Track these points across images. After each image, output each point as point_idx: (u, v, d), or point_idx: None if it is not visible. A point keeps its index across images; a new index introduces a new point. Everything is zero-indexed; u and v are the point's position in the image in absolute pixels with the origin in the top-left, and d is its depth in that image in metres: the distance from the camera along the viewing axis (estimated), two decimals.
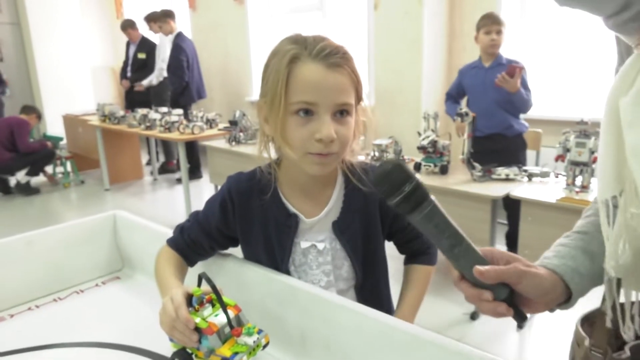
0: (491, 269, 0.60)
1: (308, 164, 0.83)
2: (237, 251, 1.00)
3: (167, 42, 5.27)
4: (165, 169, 5.54)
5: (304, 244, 0.91)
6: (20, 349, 0.93)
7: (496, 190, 2.22)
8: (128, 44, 5.77)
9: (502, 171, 2.35)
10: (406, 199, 0.58)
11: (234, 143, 3.57)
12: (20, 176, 4.86)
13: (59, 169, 5.31)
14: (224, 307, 0.76)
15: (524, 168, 2.38)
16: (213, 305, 0.78)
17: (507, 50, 2.82)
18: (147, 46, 5.62)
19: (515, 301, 0.63)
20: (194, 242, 0.95)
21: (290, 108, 0.80)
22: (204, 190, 4.82)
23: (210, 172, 3.83)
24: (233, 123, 3.61)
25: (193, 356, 0.78)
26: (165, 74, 5.28)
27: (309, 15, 5.44)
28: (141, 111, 4.44)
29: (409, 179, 0.58)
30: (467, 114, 2.41)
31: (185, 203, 3.80)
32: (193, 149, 4.94)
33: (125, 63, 5.81)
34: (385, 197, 0.59)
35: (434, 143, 2.51)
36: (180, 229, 0.97)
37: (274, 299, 0.89)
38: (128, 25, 5.61)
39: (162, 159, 5.72)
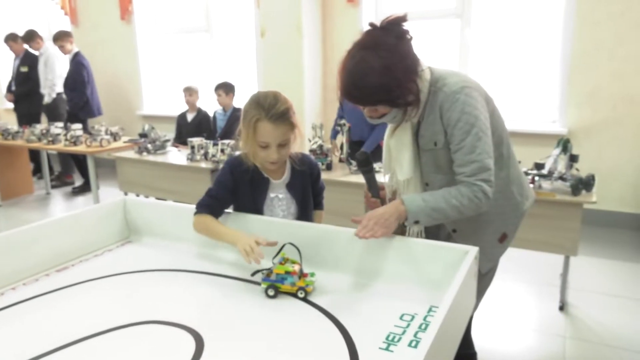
0: (382, 192, 1.50)
1: (266, 169, 1.58)
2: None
3: (55, 59, 5.41)
4: (63, 182, 5.64)
5: (271, 194, 1.63)
6: (74, 283, 1.46)
7: None
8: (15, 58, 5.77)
9: None
10: (369, 167, 1.47)
11: (144, 153, 3.99)
12: None
13: None
14: (301, 261, 1.35)
15: None
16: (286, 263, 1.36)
17: None
18: (29, 60, 5.69)
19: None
20: (219, 200, 1.58)
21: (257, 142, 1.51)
22: (105, 200, 5.05)
23: (120, 181, 4.16)
24: (143, 135, 4.04)
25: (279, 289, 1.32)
26: (58, 90, 5.40)
27: (196, 37, 5.97)
28: (39, 127, 4.59)
29: (370, 160, 1.48)
30: (344, 125, 3.24)
31: None
32: (86, 163, 5.13)
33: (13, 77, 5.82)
34: (361, 166, 1.47)
35: (320, 147, 3.30)
36: (209, 196, 1.58)
37: (264, 225, 1.56)
38: (10, 38, 5.59)
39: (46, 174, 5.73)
